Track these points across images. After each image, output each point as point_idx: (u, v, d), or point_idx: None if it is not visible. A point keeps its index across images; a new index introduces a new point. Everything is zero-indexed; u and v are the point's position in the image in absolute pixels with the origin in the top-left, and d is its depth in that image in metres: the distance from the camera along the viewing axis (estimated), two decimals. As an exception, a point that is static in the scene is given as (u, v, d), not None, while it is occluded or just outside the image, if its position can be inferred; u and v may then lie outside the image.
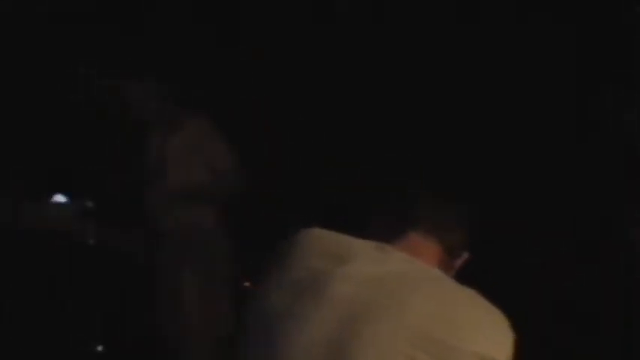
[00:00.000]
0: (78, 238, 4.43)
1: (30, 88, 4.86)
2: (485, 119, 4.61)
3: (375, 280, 1.82)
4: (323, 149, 4.87)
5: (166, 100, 4.16)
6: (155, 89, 4.12)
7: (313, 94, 4.91)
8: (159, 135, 4.19)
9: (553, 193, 4.41)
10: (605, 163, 4.23)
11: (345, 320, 1.77)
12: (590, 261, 4.18)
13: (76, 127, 4.92)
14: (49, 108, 4.91)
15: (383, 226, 1.98)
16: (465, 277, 1.91)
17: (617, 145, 4.26)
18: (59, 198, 4.41)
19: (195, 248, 4.09)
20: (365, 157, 4.70)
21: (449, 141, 4.61)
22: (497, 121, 4.59)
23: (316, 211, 3.18)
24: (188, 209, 4.10)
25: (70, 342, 4.51)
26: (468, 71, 4.70)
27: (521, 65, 4.59)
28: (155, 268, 4.23)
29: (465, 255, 2.02)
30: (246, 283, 4.27)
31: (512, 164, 4.50)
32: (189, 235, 4.10)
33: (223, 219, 4.17)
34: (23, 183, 4.74)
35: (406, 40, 4.81)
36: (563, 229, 4.34)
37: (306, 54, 4.92)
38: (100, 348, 4.44)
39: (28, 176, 4.79)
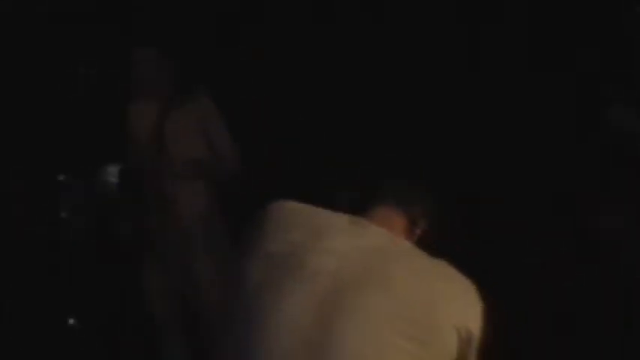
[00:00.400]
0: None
1: (29, 88, 4.85)
2: (484, 118, 4.61)
3: (356, 253, 1.88)
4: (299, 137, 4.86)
5: (168, 72, 4.10)
6: (156, 55, 4.07)
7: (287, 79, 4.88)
8: (157, 109, 4.12)
9: (553, 193, 4.40)
10: (605, 163, 4.23)
11: (328, 294, 1.81)
12: (590, 261, 4.18)
13: (75, 122, 4.90)
14: (49, 107, 4.89)
15: (354, 200, 2.09)
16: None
17: (617, 145, 4.26)
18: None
19: (197, 233, 4.06)
20: (339, 139, 4.67)
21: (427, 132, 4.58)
22: (496, 121, 4.58)
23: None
24: (188, 188, 4.06)
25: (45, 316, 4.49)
26: (464, 68, 4.70)
27: (518, 64, 4.59)
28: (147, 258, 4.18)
29: (425, 225, 2.12)
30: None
31: (512, 164, 4.49)
32: (190, 220, 4.07)
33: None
34: (24, 183, 4.73)
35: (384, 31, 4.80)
36: (564, 229, 4.34)
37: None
38: (72, 321, 4.39)
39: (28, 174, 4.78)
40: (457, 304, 1.87)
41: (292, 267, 1.85)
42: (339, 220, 1.95)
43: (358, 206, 2.05)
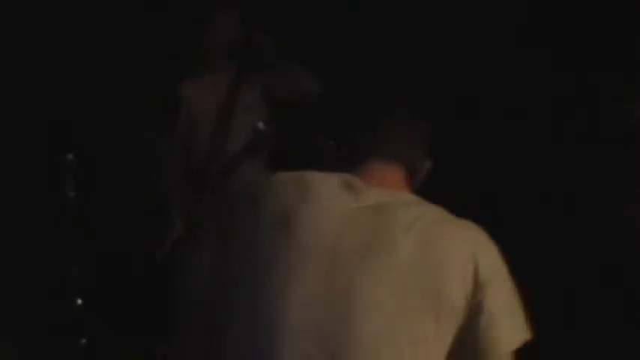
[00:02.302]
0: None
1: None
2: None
3: (351, 221, 1.78)
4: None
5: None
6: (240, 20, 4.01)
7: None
8: (225, 83, 4.08)
9: (577, 191, 4.35)
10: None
11: (332, 274, 1.74)
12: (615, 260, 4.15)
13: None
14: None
15: (345, 156, 1.94)
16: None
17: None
18: None
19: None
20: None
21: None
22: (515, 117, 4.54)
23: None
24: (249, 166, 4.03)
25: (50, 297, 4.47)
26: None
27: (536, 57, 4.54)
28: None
29: (428, 165, 1.98)
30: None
31: (534, 160, 4.45)
32: None
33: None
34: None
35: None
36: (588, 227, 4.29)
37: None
38: (79, 301, 4.38)
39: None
40: (462, 246, 1.78)
41: (290, 247, 1.77)
42: (329, 184, 1.84)
43: (347, 162, 1.90)
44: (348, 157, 1.93)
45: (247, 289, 1.79)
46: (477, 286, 1.75)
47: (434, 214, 1.83)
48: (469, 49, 4.64)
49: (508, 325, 1.77)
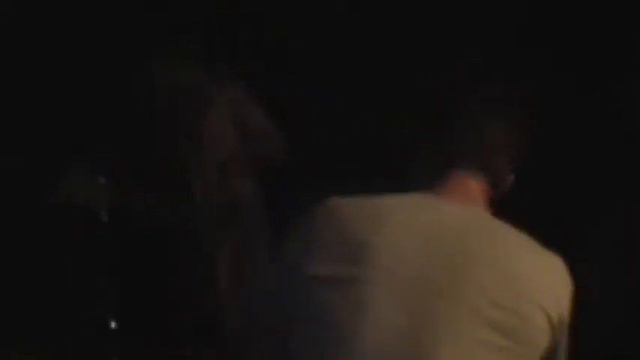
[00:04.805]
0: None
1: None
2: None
3: (425, 244, 1.70)
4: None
5: (198, 76, 4.08)
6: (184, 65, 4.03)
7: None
8: (191, 111, 4.12)
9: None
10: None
11: (408, 302, 1.66)
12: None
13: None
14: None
15: (425, 166, 1.84)
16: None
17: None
18: None
19: (234, 223, 4.02)
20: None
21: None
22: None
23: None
24: (225, 181, 4.02)
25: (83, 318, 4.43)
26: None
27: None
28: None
29: (510, 178, 1.87)
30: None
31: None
32: (227, 209, 4.03)
33: (259, 192, 4.12)
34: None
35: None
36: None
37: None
38: (113, 324, 4.35)
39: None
40: (550, 286, 1.73)
41: (363, 277, 1.68)
42: (404, 210, 1.74)
43: (432, 173, 1.79)
44: (429, 166, 1.84)
45: (316, 328, 1.73)
46: (559, 327, 1.73)
47: (512, 232, 1.77)
48: (469, 48, 4.64)
49: None
